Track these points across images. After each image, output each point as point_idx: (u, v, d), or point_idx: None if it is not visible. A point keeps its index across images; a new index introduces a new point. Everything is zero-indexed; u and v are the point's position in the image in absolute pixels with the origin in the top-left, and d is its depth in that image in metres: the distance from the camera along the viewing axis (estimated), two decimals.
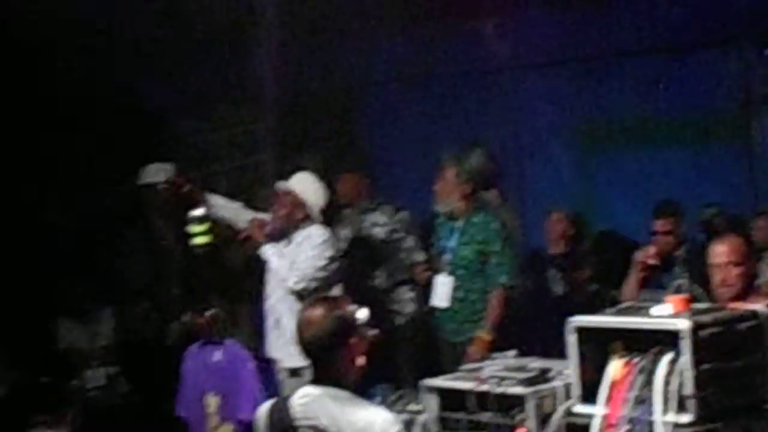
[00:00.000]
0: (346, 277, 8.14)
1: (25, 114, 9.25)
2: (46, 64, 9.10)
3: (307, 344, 4.49)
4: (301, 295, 7.62)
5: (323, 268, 7.66)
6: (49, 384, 7.42)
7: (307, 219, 7.78)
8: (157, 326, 9.18)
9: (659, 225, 7.68)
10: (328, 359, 4.44)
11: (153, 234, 9.27)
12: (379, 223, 8.69)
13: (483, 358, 7.03)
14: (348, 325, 4.48)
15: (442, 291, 7.95)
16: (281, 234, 7.81)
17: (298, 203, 7.78)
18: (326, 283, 7.67)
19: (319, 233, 7.74)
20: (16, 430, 5.83)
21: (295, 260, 7.67)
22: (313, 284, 7.63)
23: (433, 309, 8.11)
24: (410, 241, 8.68)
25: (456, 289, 7.89)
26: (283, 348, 7.78)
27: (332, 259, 7.72)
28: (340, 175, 8.83)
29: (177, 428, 7.84)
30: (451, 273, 7.93)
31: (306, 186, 7.87)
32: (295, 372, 7.66)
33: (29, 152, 9.41)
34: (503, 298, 7.78)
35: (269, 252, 7.75)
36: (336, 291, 7.61)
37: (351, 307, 4.52)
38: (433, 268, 8.17)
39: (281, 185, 7.86)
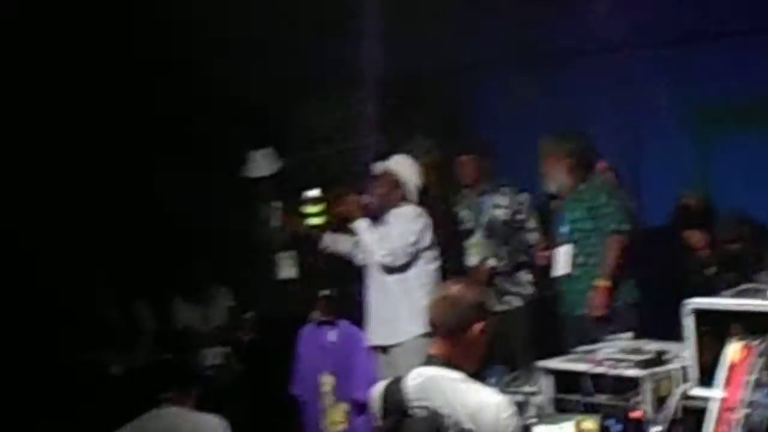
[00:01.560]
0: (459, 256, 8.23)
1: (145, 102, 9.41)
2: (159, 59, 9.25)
3: (439, 321, 4.53)
4: (388, 267, 7.71)
5: (412, 243, 7.71)
6: (176, 361, 7.60)
7: (403, 199, 7.85)
8: (272, 307, 9.25)
9: None
10: (454, 338, 4.48)
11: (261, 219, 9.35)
12: (500, 205, 8.67)
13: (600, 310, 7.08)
14: (481, 307, 4.52)
15: (563, 260, 7.96)
16: (378, 213, 7.90)
17: (394, 183, 7.88)
18: (416, 259, 7.73)
19: (410, 211, 7.85)
20: (145, 406, 5.95)
21: (384, 234, 7.73)
22: (401, 259, 7.69)
23: (555, 285, 8.09)
24: (532, 223, 8.67)
25: (575, 255, 7.89)
26: (374, 324, 7.85)
27: (422, 234, 7.75)
28: (459, 156, 8.84)
29: (291, 407, 7.95)
30: (569, 241, 7.93)
31: (402, 167, 7.95)
32: (384, 349, 7.74)
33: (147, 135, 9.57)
34: (618, 244, 7.75)
35: (361, 227, 7.84)
36: (430, 267, 7.68)
37: (483, 290, 4.57)
38: (551, 245, 8.15)
39: (379, 166, 7.94)
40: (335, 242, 8.14)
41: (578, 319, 7.86)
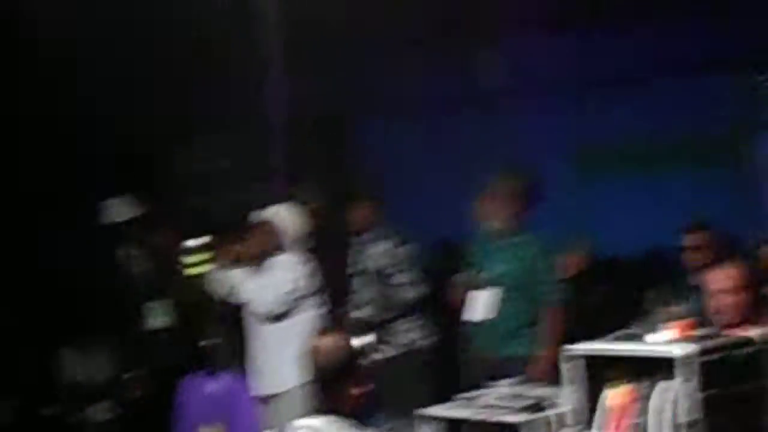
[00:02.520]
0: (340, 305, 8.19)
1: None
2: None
3: (319, 371, 4.48)
4: (267, 317, 7.68)
5: (290, 291, 7.71)
6: (65, 416, 7.48)
7: (279, 248, 7.82)
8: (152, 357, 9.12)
9: (690, 240, 7.64)
10: (335, 387, 4.43)
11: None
12: (376, 254, 8.63)
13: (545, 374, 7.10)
14: (357, 354, 4.48)
15: (479, 306, 7.88)
16: (256, 262, 7.86)
17: (271, 233, 7.88)
18: (296, 307, 7.71)
19: (287, 259, 7.83)
20: None
21: (262, 284, 7.73)
22: (279, 308, 7.69)
23: (465, 329, 8.03)
24: (405, 277, 8.58)
25: (498, 301, 7.85)
26: (256, 375, 7.80)
27: (298, 282, 7.74)
28: (349, 202, 8.81)
29: None
30: (490, 289, 7.89)
31: (282, 216, 7.94)
32: (270, 399, 7.67)
33: None
34: (560, 315, 7.73)
35: (239, 277, 7.82)
36: (309, 315, 7.66)
37: (358, 336, 4.52)
38: (471, 286, 8.08)
39: (255, 215, 7.94)
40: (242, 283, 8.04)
41: (489, 361, 7.80)
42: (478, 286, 7.97)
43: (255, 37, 8.59)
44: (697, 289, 7.15)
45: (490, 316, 7.85)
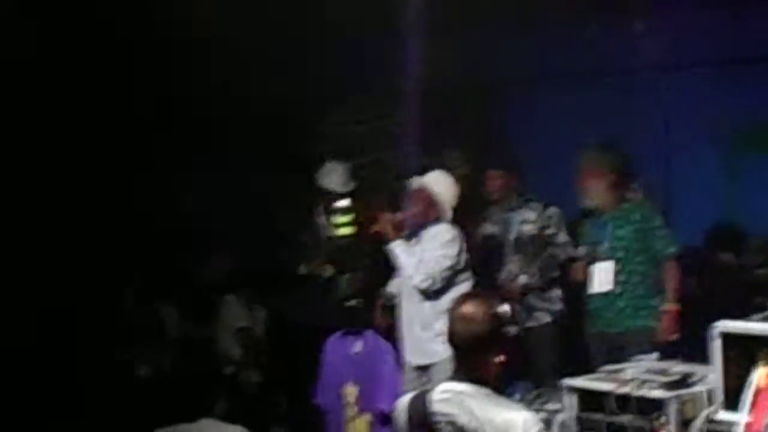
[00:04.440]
0: (489, 272, 8.18)
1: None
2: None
3: (459, 340, 4.50)
4: (426, 293, 7.66)
5: (449, 267, 7.67)
6: (221, 375, 7.67)
7: (438, 217, 7.80)
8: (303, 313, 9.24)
9: None
10: (476, 355, 4.45)
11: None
12: (528, 220, 8.60)
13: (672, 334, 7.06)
14: (499, 322, 4.49)
15: (603, 276, 7.88)
16: (413, 231, 7.84)
17: (431, 201, 7.81)
18: (453, 281, 7.69)
19: (446, 231, 7.76)
20: (181, 415, 6.00)
21: (421, 258, 7.68)
22: (438, 283, 7.65)
23: (586, 303, 8.03)
24: (562, 237, 8.58)
25: (618, 272, 7.84)
26: (410, 344, 7.83)
27: (459, 257, 7.72)
28: (486, 171, 8.78)
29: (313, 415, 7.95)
30: (611, 258, 7.88)
31: (439, 184, 7.89)
32: (421, 369, 7.71)
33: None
34: (677, 267, 7.76)
35: (398, 249, 7.79)
36: (465, 288, 7.63)
37: (500, 304, 4.53)
38: (590, 260, 8.09)
39: (415, 182, 7.89)
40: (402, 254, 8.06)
41: (612, 336, 7.80)
42: (595, 259, 7.95)
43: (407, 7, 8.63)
44: None
45: (610, 287, 7.84)
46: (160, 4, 8.37)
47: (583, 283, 8.09)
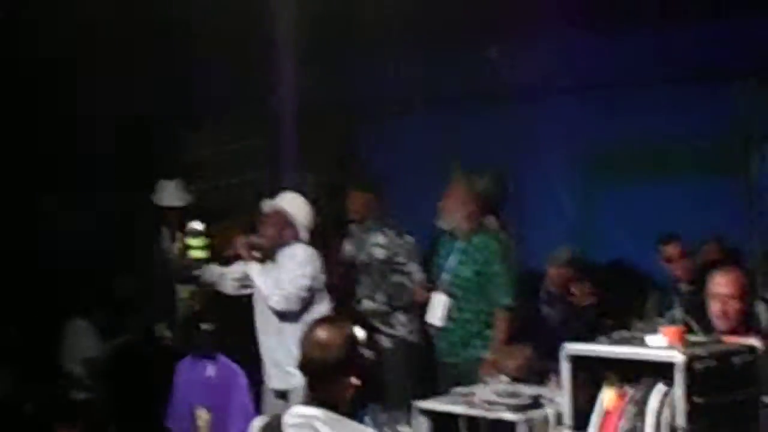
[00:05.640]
0: (343, 295, 8.17)
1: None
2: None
3: (311, 364, 4.45)
4: (282, 314, 7.63)
5: (305, 287, 7.64)
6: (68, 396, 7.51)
7: (293, 238, 7.78)
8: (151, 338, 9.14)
9: (670, 249, 7.71)
10: (330, 380, 4.42)
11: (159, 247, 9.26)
12: (380, 244, 8.64)
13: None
14: (353, 347, 4.46)
15: (438, 310, 7.95)
16: (268, 253, 7.80)
17: (285, 222, 7.78)
18: (310, 302, 7.66)
19: (302, 251, 7.73)
20: None
21: (277, 279, 7.65)
22: (295, 305, 7.61)
23: (430, 326, 8.10)
24: (411, 267, 8.62)
25: (451, 309, 7.89)
26: (270, 368, 7.78)
27: (314, 278, 7.70)
28: (349, 191, 8.82)
29: None
30: (448, 292, 7.92)
31: (293, 205, 7.87)
32: (281, 393, 7.65)
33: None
34: (508, 320, 7.77)
35: (254, 270, 7.74)
36: (323, 309, 7.61)
37: (354, 328, 4.50)
38: (430, 287, 8.15)
39: (269, 204, 7.86)
40: (219, 279, 8.00)
41: (448, 366, 7.88)
42: (436, 288, 8.02)
43: (267, 25, 8.60)
44: (681, 296, 7.25)
45: (441, 324, 7.90)
46: None
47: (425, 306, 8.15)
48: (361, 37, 9.14)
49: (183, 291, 8.88)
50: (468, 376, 7.30)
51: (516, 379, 6.17)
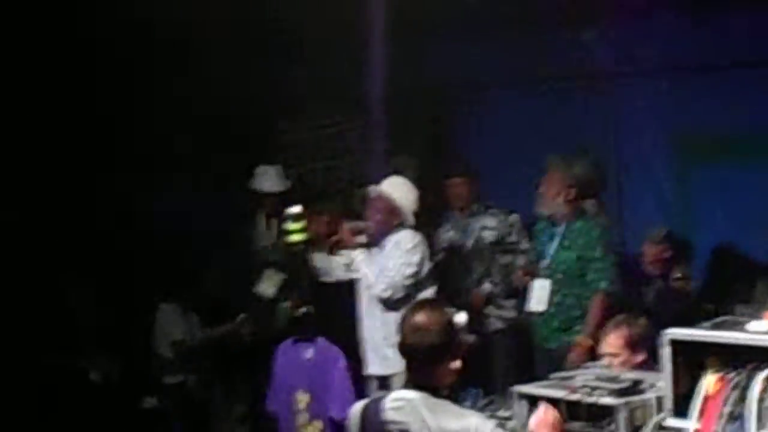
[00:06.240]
0: (451, 279, 8.16)
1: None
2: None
3: (411, 349, 4.49)
4: (387, 302, 7.63)
5: (412, 275, 7.64)
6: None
7: (399, 224, 7.76)
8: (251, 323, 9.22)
9: None
10: (429, 364, 4.45)
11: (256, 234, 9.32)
12: (488, 226, 8.63)
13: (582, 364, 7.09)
14: (452, 331, 4.48)
15: (540, 295, 7.95)
16: (375, 239, 7.81)
17: (391, 208, 7.76)
18: (415, 289, 7.66)
19: (409, 238, 7.72)
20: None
21: (383, 267, 7.65)
22: (401, 292, 7.61)
23: (530, 314, 8.11)
24: (524, 244, 8.62)
25: (553, 293, 7.89)
26: (371, 354, 7.81)
27: (421, 265, 7.68)
28: (446, 180, 8.82)
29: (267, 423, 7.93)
30: (549, 277, 7.92)
31: (399, 191, 7.85)
32: (382, 379, 7.69)
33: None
34: (604, 303, 7.75)
35: (358, 258, 7.76)
36: (428, 294, 7.61)
37: (453, 313, 4.52)
38: (532, 272, 8.14)
39: (374, 190, 7.85)
40: (329, 266, 8.01)
41: (550, 351, 7.88)
42: (536, 274, 8.00)
43: (358, 9, 8.63)
44: None
45: (544, 308, 7.88)
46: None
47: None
48: (456, 18, 9.13)
49: (267, 278, 8.92)
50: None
51: (615, 355, 6.13)
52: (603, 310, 7.71)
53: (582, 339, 7.67)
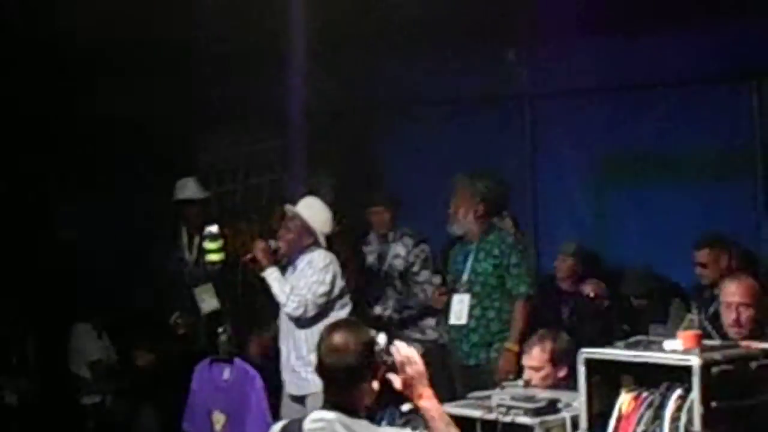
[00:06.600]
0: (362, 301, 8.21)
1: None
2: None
3: (329, 370, 4.45)
4: (299, 320, 7.64)
5: (324, 293, 7.65)
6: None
7: (312, 244, 7.78)
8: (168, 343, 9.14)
9: (699, 256, 7.70)
10: (347, 385, 4.42)
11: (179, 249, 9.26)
12: (399, 255, 8.76)
13: (509, 373, 7.12)
14: (370, 352, 4.46)
15: (459, 308, 8.03)
16: (287, 258, 7.81)
17: (304, 228, 7.77)
18: (328, 308, 7.67)
19: (321, 258, 7.73)
20: None
21: (295, 285, 7.66)
22: (313, 310, 7.62)
23: (448, 332, 8.15)
24: (424, 276, 8.73)
25: (473, 306, 7.97)
26: (286, 373, 7.79)
27: (333, 284, 7.70)
28: (368, 207, 8.89)
29: None
30: (469, 291, 7.98)
31: (313, 211, 7.85)
32: (297, 399, 7.67)
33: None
34: (526, 309, 7.83)
35: (271, 276, 7.74)
36: (342, 315, 7.61)
37: (372, 333, 4.51)
38: (450, 291, 8.20)
39: (289, 209, 7.86)
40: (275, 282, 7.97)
41: (469, 369, 7.92)
42: (456, 290, 8.07)
43: (281, 27, 8.62)
44: (708, 301, 7.24)
45: (464, 321, 7.95)
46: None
47: (444, 311, 8.21)
48: (379, 37, 9.16)
49: (199, 293, 8.86)
50: (489, 378, 7.33)
51: (537, 369, 6.16)
52: (526, 316, 7.85)
53: (510, 345, 7.74)
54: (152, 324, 9.19)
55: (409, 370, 4.45)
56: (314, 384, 7.14)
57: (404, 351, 4.46)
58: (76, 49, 8.75)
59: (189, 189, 9.24)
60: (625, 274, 8.42)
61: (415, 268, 8.74)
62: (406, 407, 4.61)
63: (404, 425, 5.75)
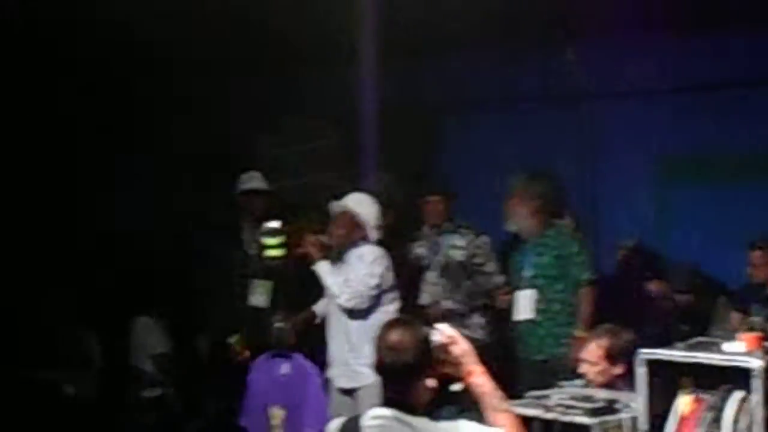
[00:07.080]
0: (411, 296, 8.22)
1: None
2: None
3: (387, 368, 4.47)
4: (352, 312, 7.68)
5: (375, 286, 7.69)
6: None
7: (362, 238, 7.82)
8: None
9: (755, 257, 7.67)
10: (405, 382, 4.44)
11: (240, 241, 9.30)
12: (458, 246, 8.72)
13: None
14: (427, 349, 4.48)
15: (524, 304, 8.04)
16: (338, 253, 7.86)
17: (354, 223, 7.82)
18: (378, 301, 7.72)
19: (371, 251, 7.78)
20: None
21: (347, 278, 7.71)
22: (365, 303, 7.66)
23: (513, 329, 8.15)
24: (490, 267, 8.70)
25: (538, 300, 7.97)
26: (337, 367, 7.81)
27: (383, 277, 7.74)
28: (423, 197, 8.88)
29: None
30: (532, 285, 8.00)
31: (361, 206, 7.89)
32: (347, 392, 7.69)
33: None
34: (592, 294, 7.91)
35: (323, 269, 7.79)
36: (392, 309, 7.65)
37: (428, 331, 4.52)
38: (513, 289, 8.21)
39: (337, 205, 7.91)
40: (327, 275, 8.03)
41: (537, 364, 7.92)
42: (519, 286, 8.08)
43: (343, 26, 8.65)
44: (764, 303, 7.20)
45: (531, 316, 7.96)
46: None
47: (509, 310, 8.21)
48: (438, 38, 9.18)
49: (255, 286, 8.91)
50: (557, 373, 7.31)
51: (593, 364, 6.12)
52: (592, 302, 7.89)
53: (579, 332, 7.72)
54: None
55: (455, 349, 4.48)
56: (366, 376, 7.21)
57: (448, 332, 4.51)
58: (158, 46, 8.83)
59: (255, 180, 9.29)
60: (671, 269, 8.40)
61: (480, 260, 8.70)
62: (456, 386, 4.61)
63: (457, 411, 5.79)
